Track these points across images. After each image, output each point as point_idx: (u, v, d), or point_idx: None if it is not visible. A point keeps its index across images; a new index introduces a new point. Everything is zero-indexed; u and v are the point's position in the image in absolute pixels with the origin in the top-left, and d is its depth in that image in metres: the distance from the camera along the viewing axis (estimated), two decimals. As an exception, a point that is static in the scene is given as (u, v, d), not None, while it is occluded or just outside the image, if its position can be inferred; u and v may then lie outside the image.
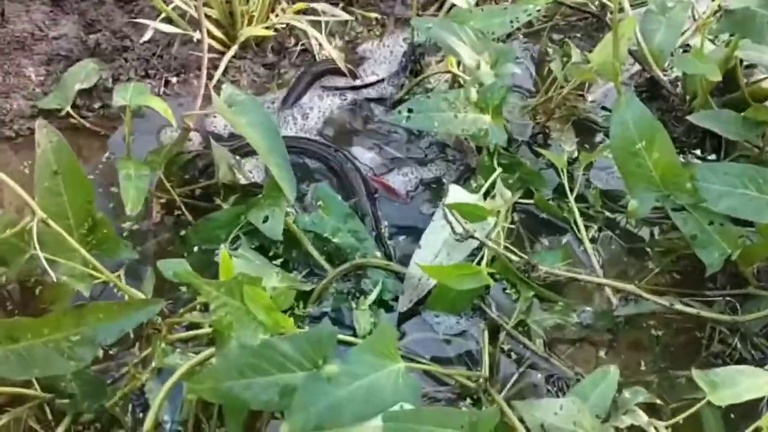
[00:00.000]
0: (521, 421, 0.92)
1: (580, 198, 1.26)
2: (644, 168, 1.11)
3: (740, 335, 1.11)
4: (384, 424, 0.85)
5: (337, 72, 1.49)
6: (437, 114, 1.21)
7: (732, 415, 1.01)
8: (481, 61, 1.26)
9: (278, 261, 1.18)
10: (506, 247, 1.13)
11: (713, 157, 1.34)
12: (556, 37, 1.56)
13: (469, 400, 1.05)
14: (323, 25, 1.53)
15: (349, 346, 1.00)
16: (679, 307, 1.07)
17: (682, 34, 1.39)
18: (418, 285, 1.14)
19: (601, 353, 1.12)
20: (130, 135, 1.18)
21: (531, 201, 1.25)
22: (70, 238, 0.96)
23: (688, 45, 1.43)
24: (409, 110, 1.21)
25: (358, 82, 1.49)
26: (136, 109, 1.19)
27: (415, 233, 1.21)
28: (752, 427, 0.85)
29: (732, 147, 1.31)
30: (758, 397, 0.89)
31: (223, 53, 1.47)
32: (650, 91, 1.44)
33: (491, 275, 1.05)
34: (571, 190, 1.23)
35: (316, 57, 1.52)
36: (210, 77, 1.40)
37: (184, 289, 1.15)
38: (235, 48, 1.48)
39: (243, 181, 1.26)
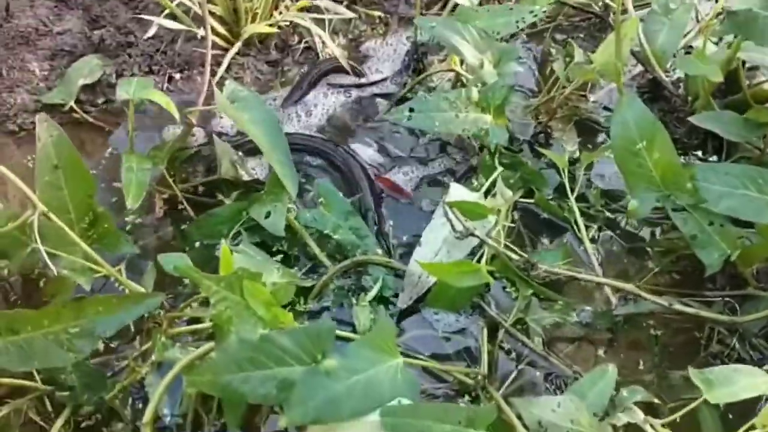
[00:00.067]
0: (519, 418, 0.92)
1: (581, 198, 1.27)
2: (645, 168, 1.11)
3: (739, 336, 1.11)
4: (382, 418, 0.85)
5: (342, 70, 1.49)
6: (438, 114, 1.21)
7: (730, 416, 1.01)
8: (484, 60, 1.26)
9: (279, 257, 1.19)
10: (506, 246, 1.13)
11: (715, 158, 1.34)
12: (559, 37, 1.57)
13: (467, 398, 1.06)
14: (327, 23, 1.54)
15: (348, 342, 1.00)
16: (678, 307, 1.07)
17: (685, 35, 1.39)
18: (418, 282, 1.14)
19: (600, 352, 1.12)
20: (133, 129, 1.19)
21: (532, 200, 1.25)
22: (71, 231, 0.96)
23: (690, 46, 1.42)
24: (410, 110, 1.22)
25: (363, 80, 1.50)
26: (138, 105, 1.20)
27: (415, 231, 1.22)
28: (747, 425, 0.85)
29: (733, 148, 1.31)
30: (756, 397, 0.89)
31: (226, 50, 1.48)
32: (652, 92, 1.44)
33: (491, 273, 1.06)
34: (572, 190, 1.24)
35: (320, 55, 1.53)
36: (213, 74, 1.40)
37: (186, 282, 1.15)
38: (238, 45, 1.49)
39: (245, 178, 1.27)
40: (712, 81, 1.22)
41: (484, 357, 1.07)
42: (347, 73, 1.49)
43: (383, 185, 1.30)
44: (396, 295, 1.15)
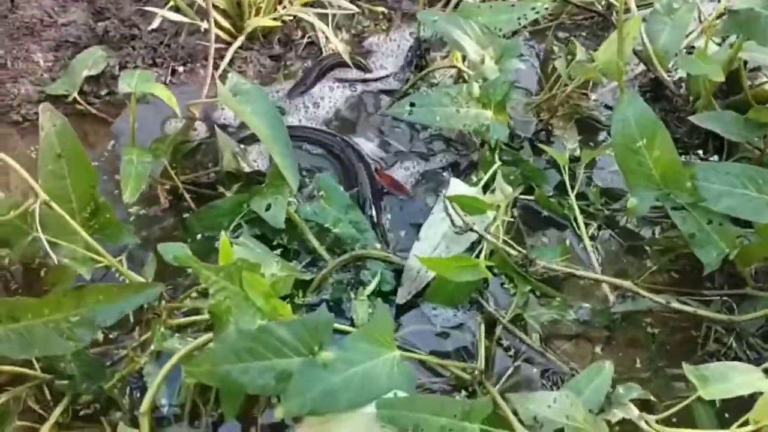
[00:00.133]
0: (515, 413, 0.93)
1: (581, 195, 1.27)
2: (644, 166, 1.12)
3: (736, 335, 1.11)
4: (378, 410, 0.86)
5: (348, 65, 1.50)
6: (439, 108, 1.22)
7: (726, 414, 1.02)
8: (485, 56, 1.27)
9: (279, 250, 1.19)
10: (505, 242, 1.14)
11: (715, 158, 1.34)
12: (561, 35, 1.57)
13: (464, 392, 1.06)
14: (330, 17, 1.54)
15: (346, 335, 1.01)
16: (675, 305, 1.07)
17: (688, 35, 1.39)
18: (416, 277, 1.14)
19: (597, 349, 1.13)
20: (135, 122, 1.19)
21: (532, 197, 1.26)
22: (72, 221, 0.97)
23: (693, 46, 1.43)
24: (412, 104, 1.22)
25: (369, 76, 1.50)
26: (141, 97, 1.20)
27: (414, 226, 1.22)
28: (742, 420, 0.85)
29: (734, 148, 1.31)
30: (751, 395, 0.89)
31: (229, 44, 1.48)
32: (654, 91, 1.44)
33: (489, 269, 1.06)
34: (572, 188, 1.24)
35: (323, 50, 1.53)
36: (216, 67, 1.41)
37: (186, 273, 1.16)
38: (242, 39, 1.49)
39: (247, 169, 1.27)
40: (713, 81, 1.22)
41: (482, 352, 1.08)
42: (355, 67, 1.50)
43: (383, 181, 1.31)
44: (395, 290, 1.15)
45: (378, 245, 1.20)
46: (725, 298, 1.13)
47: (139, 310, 1.09)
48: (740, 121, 1.22)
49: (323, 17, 1.52)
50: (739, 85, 1.28)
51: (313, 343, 0.86)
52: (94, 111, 1.39)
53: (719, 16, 1.29)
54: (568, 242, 1.23)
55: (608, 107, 1.44)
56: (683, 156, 1.33)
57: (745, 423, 0.85)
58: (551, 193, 1.28)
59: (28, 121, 1.38)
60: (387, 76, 1.50)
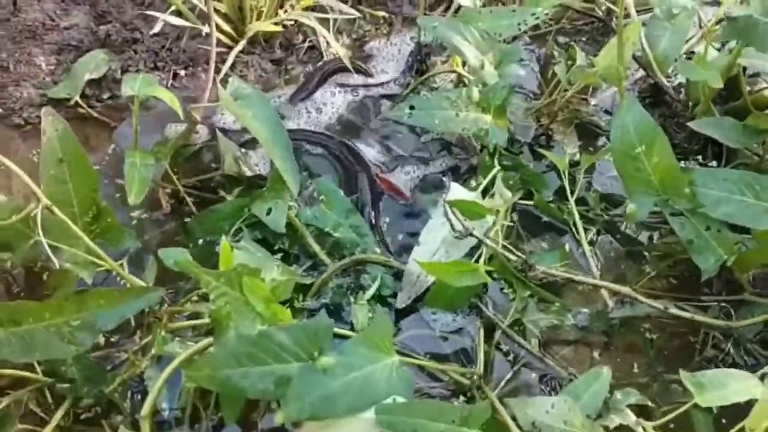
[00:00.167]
0: (513, 418, 0.93)
1: (581, 201, 1.27)
2: (643, 172, 1.12)
3: (733, 341, 1.12)
4: (377, 416, 0.87)
5: (349, 69, 1.50)
6: (439, 112, 1.22)
7: (723, 420, 1.02)
8: (485, 61, 1.27)
9: (279, 254, 1.19)
10: (504, 247, 1.14)
11: (714, 163, 1.34)
12: (561, 40, 1.57)
13: (462, 397, 1.07)
14: (331, 22, 1.54)
15: (345, 339, 1.01)
16: (673, 311, 1.08)
17: (687, 40, 1.40)
18: (416, 282, 1.15)
19: (596, 355, 1.13)
20: (137, 125, 1.20)
21: (531, 202, 1.26)
22: (74, 225, 0.97)
23: (692, 52, 1.43)
24: (411, 107, 1.23)
25: (370, 81, 1.50)
26: (143, 101, 1.21)
27: (414, 230, 1.23)
28: (738, 427, 0.85)
29: (733, 154, 1.32)
30: (749, 401, 0.89)
31: (231, 48, 1.49)
32: (654, 96, 1.45)
33: (489, 273, 1.07)
34: (572, 193, 1.24)
35: (324, 54, 1.54)
36: (218, 71, 1.41)
37: (187, 277, 1.16)
38: (243, 43, 1.50)
39: (248, 173, 1.28)
40: (712, 87, 1.23)
41: (480, 357, 1.08)
42: (356, 72, 1.50)
43: (383, 186, 1.31)
44: (394, 294, 1.16)
45: (378, 249, 1.21)
46: (723, 304, 1.13)
47: (140, 314, 1.09)
48: (739, 127, 1.23)
49: (324, 22, 1.53)
50: (739, 91, 1.29)
51: (312, 348, 0.87)
52: (95, 114, 1.40)
53: (719, 22, 1.30)
54: (567, 247, 1.23)
55: (608, 112, 1.44)
56: (682, 161, 1.34)
57: (742, 430, 0.85)
58: (551, 198, 1.29)
59: (30, 124, 1.39)
60: (388, 81, 1.51)
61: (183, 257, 0.99)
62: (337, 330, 0.97)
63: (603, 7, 1.58)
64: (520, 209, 1.27)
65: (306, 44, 1.56)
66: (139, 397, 1.05)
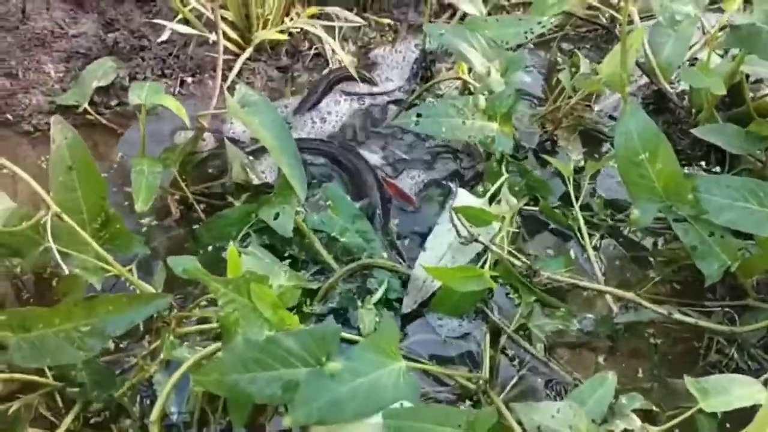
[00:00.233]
0: (519, 423, 0.94)
1: (585, 206, 1.28)
2: (647, 179, 1.13)
3: (737, 346, 1.12)
4: (384, 421, 0.87)
5: (354, 78, 1.51)
6: (445, 119, 1.23)
7: (727, 424, 1.02)
8: (491, 69, 1.28)
9: (287, 260, 1.20)
10: (510, 252, 1.15)
11: (718, 169, 1.35)
12: (566, 47, 1.58)
13: (468, 402, 1.07)
14: (337, 30, 1.56)
15: (353, 344, 1.02)
16: (677, 316, 1.08)
17: (691, 48, 1.40)
18: (422, 287, 1.16)
19: (601, 359, 1.14)
20: (144, 133, 1.21)
21: (536, 207, 1.27)
22: (83, 232, 0.98)
23: (696, 59, 1.44)
24: (418, 115, 1.24)
25: (375, 90, 1.51)
26: (151, 108, 1.22)
27: (421, 235, 1.24)
28: (741, 432, 0.86)
29: (736, 160, 1.32)
30: (753, 406, 0.90)
31: (238, 55, 1.50)
32: (657, 103, 1.46)
33: (494, 279, 1.07)
34: (577, 199, 1.25)
35: (329, 61, 1.55)
36: (225, 78, 1.43)
37: (196, 283, 1.17)
38: (249, 50, 1.51)
39: (255, 181, 1.29)
40: (715, 94, 1.23)
41: (486, 362, 1.09)
42: (361, 80, 1.51)
43: (390, 190, 1.32)
44: (401, 298, 1.17)
45: (384, 254, 1.21)
46: (727, 309, 1.14)
47: (149, 319, 1.10)
48: (742, 134, 1.24)
49: (330, 29, 1.54)
50: (741, 97, 1.30)
51: (320, 353, 0.88)
52: (104, 121, 1.41)
53: (722, 29, 1.30)
54: (572, 253, 1.24)
55: (612, 118, 1.45)
56: (686, 167, 1.35)
57: (745, 435, 0.86)
58: (555, 204, 1.30)
59: (39, 131, 1.40)
60: (393, 90, 1.52)
61: (192, 265, 1.00)
62: (344, 334, 0.99)
63: (606, 15, 1.59)
64: (525, 215, 1.28)
65: (312, 51, 1.57)
66: (148, 401, 1.06)
